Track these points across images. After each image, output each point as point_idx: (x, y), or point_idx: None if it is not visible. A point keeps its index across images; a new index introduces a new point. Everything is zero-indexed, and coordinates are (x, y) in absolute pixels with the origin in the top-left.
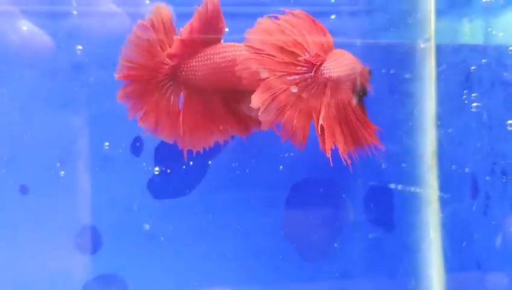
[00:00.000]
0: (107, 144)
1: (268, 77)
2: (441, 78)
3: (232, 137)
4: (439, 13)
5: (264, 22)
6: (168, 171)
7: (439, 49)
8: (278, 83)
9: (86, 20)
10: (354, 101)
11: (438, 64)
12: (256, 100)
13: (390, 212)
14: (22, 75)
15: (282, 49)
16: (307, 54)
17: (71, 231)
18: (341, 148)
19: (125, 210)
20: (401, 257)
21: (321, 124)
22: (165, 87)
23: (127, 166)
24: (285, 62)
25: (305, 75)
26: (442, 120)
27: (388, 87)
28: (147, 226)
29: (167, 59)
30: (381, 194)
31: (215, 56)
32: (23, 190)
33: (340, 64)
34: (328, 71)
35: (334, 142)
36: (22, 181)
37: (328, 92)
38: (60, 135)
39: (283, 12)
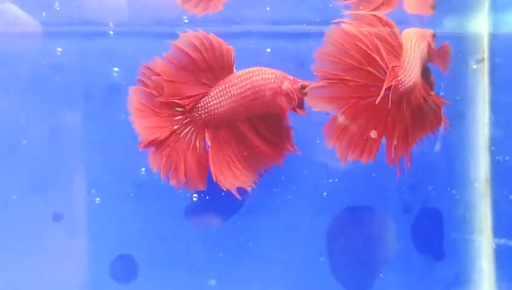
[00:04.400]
0: (143, 169)
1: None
2: (496, 101)
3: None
4: (493, 32)
5: (333, 35)
6: (207, 197)
7: (493, 70)
8: (351, 113)
9: (122, 41)
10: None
11: (492, 86)
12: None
13: (439, 240)
14: (54, 98)
15: (356, 69)
16: (381, 71)
17: (106, 259)
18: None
19: (161, 238)
20: (450, 288)
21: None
22: (187, 136)
23: (164, 192)
24: (360, 85)
25: (383, 95)
26: (496, 146)
27: None
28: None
29: (177, 109)
30: (429, 221)
31: (232, 88)
32: (57, 217)
33: (414, 63)
34: (402, 85)
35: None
36: (56, 208)
37: (403, 104)
38: (95, 160)
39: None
